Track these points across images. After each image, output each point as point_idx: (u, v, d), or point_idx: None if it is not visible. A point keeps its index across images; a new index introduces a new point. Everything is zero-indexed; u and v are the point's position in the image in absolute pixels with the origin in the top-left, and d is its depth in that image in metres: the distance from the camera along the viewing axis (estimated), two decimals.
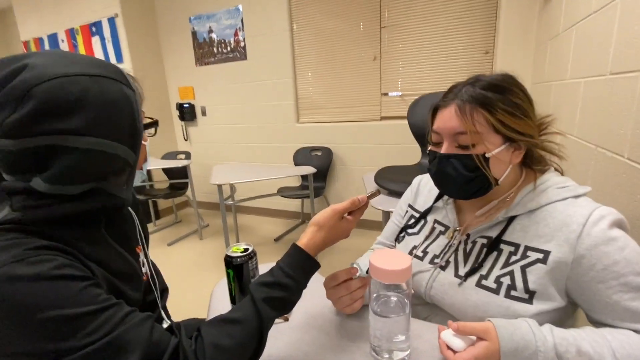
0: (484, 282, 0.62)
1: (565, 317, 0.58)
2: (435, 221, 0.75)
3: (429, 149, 0.68)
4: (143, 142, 0.58)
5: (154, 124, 0.63)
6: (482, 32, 2.34)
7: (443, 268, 0.68)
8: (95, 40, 3.45)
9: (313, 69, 2.97)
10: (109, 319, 0.42)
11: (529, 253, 0.59)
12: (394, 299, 0.58)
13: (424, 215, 0.78)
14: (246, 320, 0.49)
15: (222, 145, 3.58)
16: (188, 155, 3.28)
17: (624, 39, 0.85)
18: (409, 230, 0.80)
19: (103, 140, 0.46)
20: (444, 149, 0.62)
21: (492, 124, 0.58)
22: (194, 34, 3.36)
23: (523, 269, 0.58)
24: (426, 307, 0.71)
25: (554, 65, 1.57)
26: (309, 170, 2.48)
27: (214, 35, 3.26)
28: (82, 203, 0.47)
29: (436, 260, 0.70)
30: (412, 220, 0.80)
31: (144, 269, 0.65)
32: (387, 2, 2.56)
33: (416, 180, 0.87)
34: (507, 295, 0.58)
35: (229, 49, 3.23)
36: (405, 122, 1.96)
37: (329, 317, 0.70)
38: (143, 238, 0.68)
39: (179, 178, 3.20)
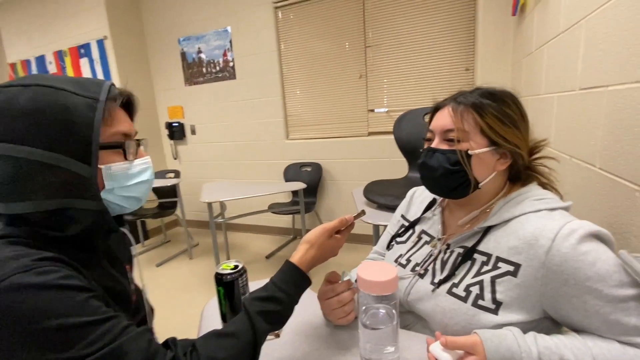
0: (454, 289, 0.63)
1: (539, 331, 0.55)
2: (422, 231, 0.78)
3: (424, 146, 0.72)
4: (137, 157, 0.57)
5: (119, 145, 0.54)
6: (462, 50, 2.45)
7: (422, 276, 0.70)
8: (84, 62, 3.46)
9: (301, 87, 3.03)
10: (110, 329, 0.42)
11: (499, 264, 0.60)
12: (382, 310, 0.59)
13: (412, 225, 0.81)
14: (241, 334, 0.50)
15: (212, 163, 3.58)
16: (177, 174, 3.26)
17: (590, 57, 0.91)
18: (398, 239, 0.82)
19: (37, 150, 0.45)
20: (433, 144, 0.67)
21: (480, 125, 0.62)
22: (183, 54, 3.41)
23: (493, 280, 0.59)
24: (409, 315, 0.73)
25: (529, 81, 1.65)
26: (299, 185, 2.50)
27: (203, 56, 3.32)
28: (57, 226, 0.48)
29: (417, 268, 0.72)
30: (402, 230, 0.83)
31: (132, 287, 0.65)
32: (371, 23, 2.67)
33: (411, 191, 0.91)
34: (474, 304, 0.60)
35: (218, 68, 3.28)
36: (392, 137, 2.02)
37: (320, 332, 0.70)
38: (132, 257, 0.68)
39: (168, 197, 3.17)
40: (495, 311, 0.57)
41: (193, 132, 3.58)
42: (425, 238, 0.76)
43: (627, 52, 0.71)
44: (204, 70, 3.35)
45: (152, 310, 0.74)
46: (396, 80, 2.69)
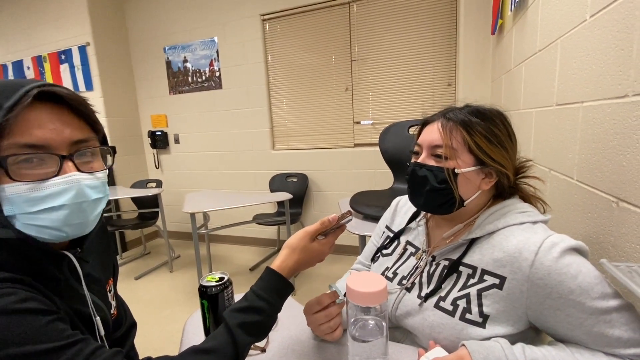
0: (441, 303, 0.63)
1: (524, 341, 0.56)
2: (407, 242, 0.78)
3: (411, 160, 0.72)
4: (60, 174, 0.45)
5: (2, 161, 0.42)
6: (445, 66, 2.53)
7: (409, 290, 0.70)
8: (64, 68, 3.37)
9: (288, 98, 3.05)
10: (75, 356, 0.39)
11: (485, 277, 0.60)
12: (371, 322, 0.58)
13: (397, 235, 0.81)
14: (221, 349, 0.47)
15: (196, 172, 3.52)
16: (159, 184, 3.18)
17: (565, 74, 0.96)
18: (384, 251, 0.81)
19: None
20: (420, 159, 0.67)
21: (467, 143, 0.62)
22: (168, 63, 3.38)
23: (479, 293, 0.59)
24: (397, 331, 0.72)
25: (509, 97, 1.72)
26: (285, 196, 2.48)
27: (188, 65, 3.29)
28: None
29: (404, 282, 0.71)
30: (387, 241, 0.82)
31: (113, 303, 0.62)
32: (357, 38, 2.73)
33: (395, 201, 0.90)
34: (462, 318, 0.60)
35: (204, 78, 3.26)
36: (378, 148, 2.04)
37: (307, 345, 0.68)
38: (115, 270, 0.65)
39: (149, 207, 3.08)
40: (482, 325, 0.58)
41: (177, 141, 3.52)
42: (410, 249, 0.76)
43: (599, 70, 0.75)
44: (190, 79, 3.32)
45: (134, 324, 0.70)
46: (381, 94, 2.75)
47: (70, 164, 0.46)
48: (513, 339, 0.55)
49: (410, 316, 0.66)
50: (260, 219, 2.86)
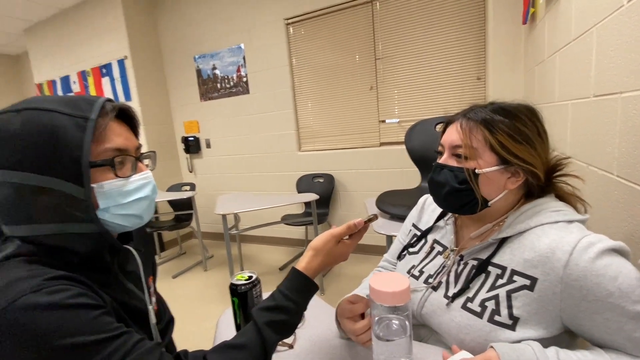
0: (469, 304, 0.62)
1: (559, 345, 0.54)
2: (435, 241, 0.77)
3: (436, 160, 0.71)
4: (137, 172, 0.55)
5: (108, 162, 0.51)
6: (473, 59, 2.45)
7: (435, 288, 0.69)
8: (105, 81, 3.63)
9: (313, 99, 3.08)
10: (121, 346, 0.43)
11: (515, 277, 0.58)
12: (395, 322, 0.59)
13: (425, 234, 0.80)
14: (250, 345, 0.50)
15: (226, 175, 3.65)
16: (193, 187, 3.33)
17: (602, 64, 0.91)
18: (410, 249, 0.81)
19: (30, 174, 0.45)
20: (441, 159, 0.67)
21: (489, 142, 0.60)
22: (198, 71, 3.53)
23: (508, 294, 0.58)
24: (422, 329, 0.71)
25: (543, 89, 1.64)
26: (312, 197, 2.51)
27: (217, 72, 3.42)
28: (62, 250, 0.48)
29: (430, 280, 0.71)
30: (414, 239, 0.82)
31: (153, 299, 0.67)
32: (381, 35, 2.71)
33: (422, 198, 0.89)
34: (491, 320, 0.58)
35: (232, 84, 3.38)
36: (404, 147, 2.02)
37: (333, 343, 0.70)
38: (155, 268, 0.70)
39: (183, 209, 3.24)
40: (512, 327, 0.56)
41: (208, 145, 3.67)
42: (438, 248, 0.75)
43: (639, 59, 0.70)
44: (219, 85, 3.45)
45: (172, 319, 0.76)
46: (407, 91, 2.70)
47: (141, 164, 0.57)
48: (546, 343, 0.53)
49: (436, 316, 0.66)
50: (288, 220, 2.91)
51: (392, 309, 0.58)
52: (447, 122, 0.70)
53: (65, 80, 3.92)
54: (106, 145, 0.50)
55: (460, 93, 2.52)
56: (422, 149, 1.92)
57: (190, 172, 3.84)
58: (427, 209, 0.86)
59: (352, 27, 2.79)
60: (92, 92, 3.73)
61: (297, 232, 3.37)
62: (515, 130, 0.61)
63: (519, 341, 0.54)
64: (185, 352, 0.50)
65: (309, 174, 3.14)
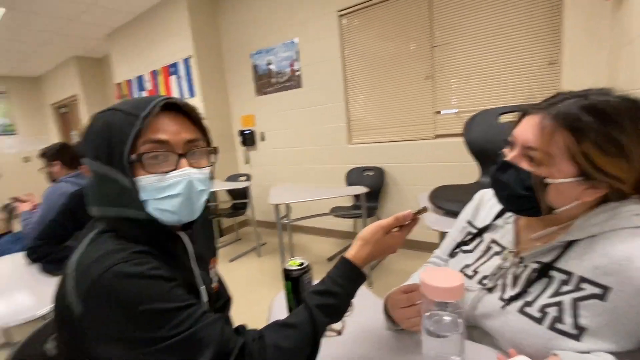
0: (527, 309, 0.58)
1: None
2: (492, 240, 0.72)
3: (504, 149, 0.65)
4: (178, 168, 0.56)
5: (139, 159, 0.54)
6: (544, 42, 2.21)
7: (490, 290, 0.65)
8: (173, 79, 3.97)
9: (364, 91, 3.05)
10: (191, 315, 0.49)
11: (583, 285, 0.53)
12: (447, 318, 0.58)
13: (481, 232, 0.76)
14: (301, 325, 0.53)
15: (279, 167, 3.79)
16: (249, 178, 3.53)
17: None
18: (464, 247, 0.78)
19: (102, 165, 0.54)
20: (510, 156, 0.61)
21: (572, 152, 0.52)
22: (254, 67, 3.69)
23: (575, 302, 0.53)
24: (475, 331, 0.68)
25: (632, 73, 1.43)
26: (361, 190, 2.50)
27: (272, 67, 3.55)
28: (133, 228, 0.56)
29: (485, 281, 0.67)
30: (469, 237, 0.78)
31: (214, 279, 0.74)
32: (438, 22, 2.57)
33: (479, 194, 0.84)
34: (552, 327, 0.54)
35: (285, 78, 3.47)
36: (462, 139, 1.91)
37: (382, 333, 0.71)
38: (215, 251, 0.77)
39: (240, 198, 3.45)
40: (577, 337, 0.51)
41: (263, 138, 3.83)
42: (495, 248, 0.71)
43: None
44: (273, 80, 3.57)
45: (230, 299, 0.83)
46: (466, 80, 2.54)
47: (184, 160, 0.57)
48: (617, 357, 0.49)
49: (490, 318, 0.63)
50: (337, 212, 2.94)
51: (444, 305, 0.57)
52: (524, 112, 0.61)
53: (140, 79, 4.36)
54: (146, 137, 0.54)
55: (528, 80, 2.29)
56: (482, 142, 1.80)
57: (247, 163, 4.06)
58: (484, 206, 0.80)
59: (407, 15, 2.69)
60: (162, 89, 4.11)
61: (345, 224, 3.39)
62: (609, 139, 0.51)
63: (583, 352, 0.50)
64: (243, 326, 0.55)
65: (359, 166, 3.13)
